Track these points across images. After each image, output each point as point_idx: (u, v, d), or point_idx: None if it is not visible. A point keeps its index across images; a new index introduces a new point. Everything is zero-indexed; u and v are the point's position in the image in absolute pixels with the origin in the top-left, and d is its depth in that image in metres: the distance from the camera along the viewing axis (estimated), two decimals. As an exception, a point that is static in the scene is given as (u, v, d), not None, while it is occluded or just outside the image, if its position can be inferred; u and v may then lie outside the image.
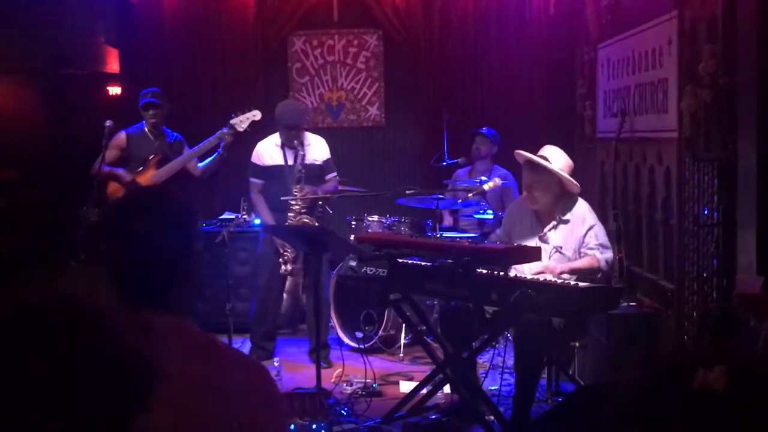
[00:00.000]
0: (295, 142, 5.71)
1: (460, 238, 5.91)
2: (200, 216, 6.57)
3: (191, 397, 1.58)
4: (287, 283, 6.66)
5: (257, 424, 1.64)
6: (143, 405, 1.14)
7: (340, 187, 6.16)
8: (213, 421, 1.61)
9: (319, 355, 4.77)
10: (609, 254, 4.61)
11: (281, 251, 5.76)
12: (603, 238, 4.62)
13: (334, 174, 5.99)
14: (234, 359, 1.76)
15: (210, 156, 6.15)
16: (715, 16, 4.48)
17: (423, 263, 4.67)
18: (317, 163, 5.86)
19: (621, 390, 1.08)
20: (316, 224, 5.63)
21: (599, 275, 4.53)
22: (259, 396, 1.68)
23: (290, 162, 5.77)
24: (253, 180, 5.94)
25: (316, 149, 5.89)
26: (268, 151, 5.86)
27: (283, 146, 5.79)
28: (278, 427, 1.75)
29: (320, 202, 5.83)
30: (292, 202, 5.66)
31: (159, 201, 1.79)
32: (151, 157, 6.09)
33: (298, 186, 5.65)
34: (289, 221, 5.65)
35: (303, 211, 5.67)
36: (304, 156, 5.70)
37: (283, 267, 5.78)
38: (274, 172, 5.81)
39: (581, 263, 4.52)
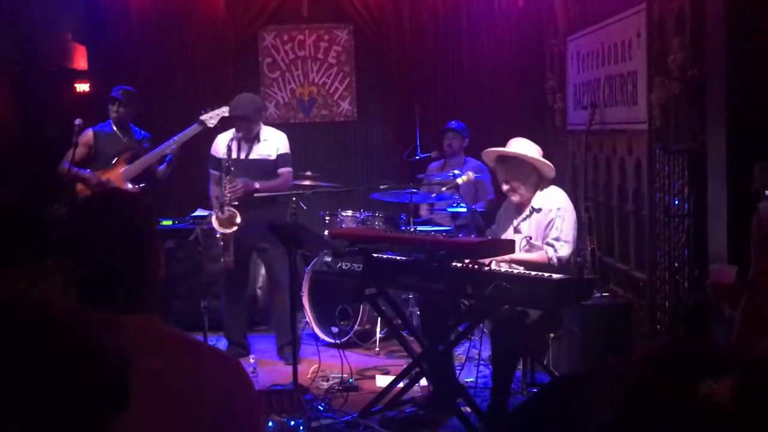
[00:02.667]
0: (241, 134, 5.67)
1: (434, 231, 5.93)
2: (159, 215, 6.52)
3: (165, 393, 1.58)
4: (260, 278, 6.63)
5: (235, 419, 1.64)
6: (120, 405, 1.13)
7: (312, 183, 6.13)
8: (190, 418, 1.60)
9: (296, 349, 4.76)
10: (564, 250, 4.48)
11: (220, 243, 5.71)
12: (563, 232, 4.51)
13: (287, 170, 5.87)
14: (208, 355, 1.76)
15: (162, 164, 6.10)
16: (684, 8, 4.53)
17: (398, 257, 4.68)
18: (270, 158, 5.80)
19: (615, 384, 1.08)
20: (238, 219, 5.53)
21: (552, 269, 4.50)
22: (236, 391, 1.68)
23: (242, 156, 5.74)
24: (210, 171, 5.93)
25: (270, 144, 5.84)
26: (224, 143, 5.84)
27: (233, 140, 5.78)
28: (255, 421, 1.75)
29: (288, 197, 5.79)
30: (217, 194, 5.64)
31: (116, 203, 1.79)
32: (120, 154, 6.05)
33: (227, 177, 5.60)
34: (218, 211, 5.61)
35: (233, 203, 5.59)
36: (231, 149, 5.63)
37: (222, 258, 5.72)
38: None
39: (530, 256, 4.50)
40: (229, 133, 5.86)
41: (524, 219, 4.68)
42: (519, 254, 4.49)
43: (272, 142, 5.85)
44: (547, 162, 4.64)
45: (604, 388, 1.16)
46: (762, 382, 1.00)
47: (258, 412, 1.77)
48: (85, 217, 1.76)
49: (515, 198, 4.68)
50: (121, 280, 1.69)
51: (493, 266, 4.29)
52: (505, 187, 4.70)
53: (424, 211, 6.79)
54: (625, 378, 1.12)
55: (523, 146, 4.70)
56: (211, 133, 6.08)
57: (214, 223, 5.61)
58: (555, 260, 4.48)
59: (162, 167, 6.10)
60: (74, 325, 1.08)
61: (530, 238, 4.60)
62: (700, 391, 0.98)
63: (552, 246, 4.51)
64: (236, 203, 5.59)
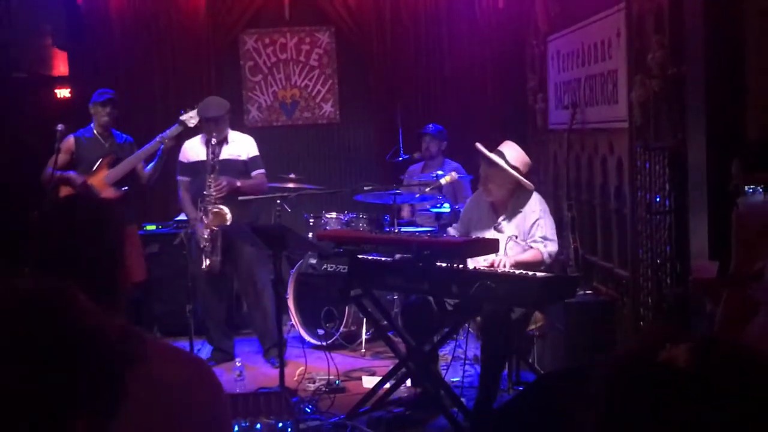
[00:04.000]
0: (213, 135, 5.70)
1: (419, 232, 5.95)
2: (142, 218, 6.51)
3: (144, 399, 1.58)
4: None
5: (208, 424, 1.65)
6: (119, 401, 1.13)
7: (296, 185, 6.13)
8: (168, 425, 1.60)
9: (281, 351, 4.76)
10: (552, 247, 4.67)
11: (201, 245, 5.71)
12: (548, 231, 4.68)
13: (261, 171, 5.94)
14: (182, 359, 1.76)
15: (152, 161, 6.09)
16: (662, 7, 4.57)
17: (383, 258, 4.70)
18: (240, 158, 5.86)
19: (597, 368, 1.11)
20: (228, 214, 5.61)
21: (542, 267, 4.59)
22: (209, 395, 1.68)
23: (212, 158, 5.77)
24: (179, 178, 5.97)
25: (239, 146, 5.90)
26: (193, 148, 5.90)
27: (207, 143, 5.79)
28: (224, 421, 1.75)
29: (279, 201, 5.80)
30: (205, 192, 5.67)
31: (81, 209, 1.80)
32: (102, 158, 6.03)
33: (212, 176, 5.66)
34: (206, 211, 5.65)
35: (218, 201, 5.65)
36: (215, 148, 5.71)
37: (204, 262, 5.72)
38: (197, 168, 5.83)
39: (526, 256, 4.59)
40: (197, 138, 5.90)
41: (505, 219, 4.74)
42: (518, 255, 4.59)
43: (240, 145, 5.92)
44: (527, 182, 4.75)
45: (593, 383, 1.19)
46: (713, 343, 1.05)
47: (227, 412, 1.77)
48: (50, 224, 1.78)
49: (489, 198, 4.82)
50: (89, 285, 1.69)
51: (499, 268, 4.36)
52: (481, 185, 4.82)
53: (406, 212, 6.80)
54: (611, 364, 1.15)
55: (512, 156, 4.79)
56: (191, 134, 6.07)
57: (205, 223, 5.62)
58: (548, 256, 4.62)
59: (151, 165, 6.06)
60: (88, 317, 1.09)
61: (515, 237, 4.66)
62: (662, 355, 1.03)
63: (543, 243, 4.62)
64: (220, 202, 5.65)
